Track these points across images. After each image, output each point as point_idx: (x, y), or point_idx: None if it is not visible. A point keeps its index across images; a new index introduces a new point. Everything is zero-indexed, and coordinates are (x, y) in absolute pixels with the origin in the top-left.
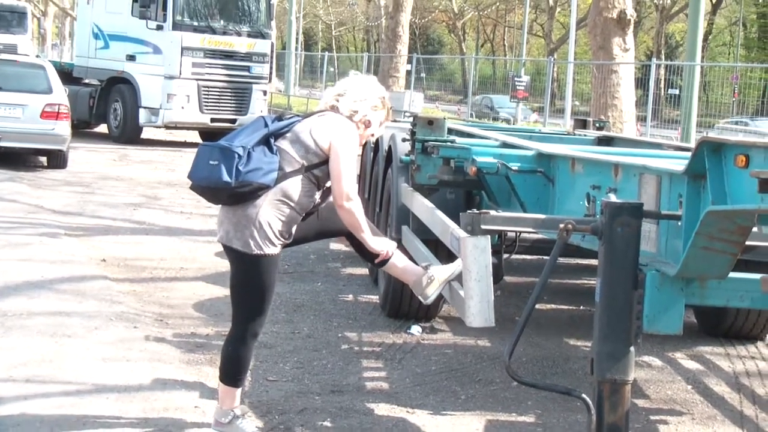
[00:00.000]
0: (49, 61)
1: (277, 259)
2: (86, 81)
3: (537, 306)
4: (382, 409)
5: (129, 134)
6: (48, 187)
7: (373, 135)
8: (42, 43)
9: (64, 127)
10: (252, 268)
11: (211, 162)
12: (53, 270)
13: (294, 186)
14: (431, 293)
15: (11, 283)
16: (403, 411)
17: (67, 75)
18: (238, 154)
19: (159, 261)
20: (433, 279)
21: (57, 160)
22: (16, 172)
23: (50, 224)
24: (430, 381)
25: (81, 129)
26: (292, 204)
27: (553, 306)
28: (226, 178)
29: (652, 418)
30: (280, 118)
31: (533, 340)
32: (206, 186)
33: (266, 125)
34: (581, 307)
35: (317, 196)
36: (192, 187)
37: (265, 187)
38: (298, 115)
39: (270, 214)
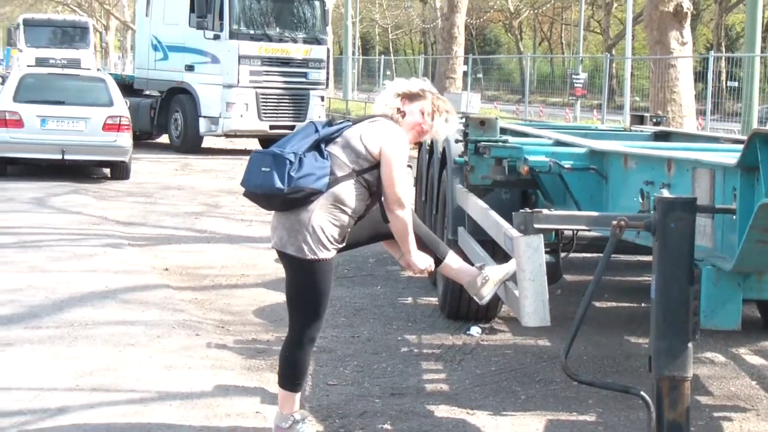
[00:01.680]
0: (110, 74)
1: (332, 264)
2: (147, 92)
3: (597, 304)
4: (441, 410)
5: (190, 144)
6: (112, 198)
7: (422, 128)
8: (105, 57)
9: (125, 139)
10: (307, 273)
11: (263, 169)
12: (117, 280)
13: (346, 190)
14: (486, 293)
15: (77, 294)
16: (463, 412)
17: (128, 87)
18: (290, 161)
19: (220, 269)
20: (487, 279)
21: (120, 171)
22: (80, 184)
23: (114, 235)
24: (489, 382)
25: (143, 140)
26: (345, 208)
27: (614, 303)
28: (278, 184)
29: (716, 414)
30: (330, 124)
31: (593, 338)
32: (259, 193)
33: (317, 131)
34: (642, 304)
35: (369, 199)
36: (245, 194)
37: (317, 192)
38: (348, 120)
39: (323, 218)
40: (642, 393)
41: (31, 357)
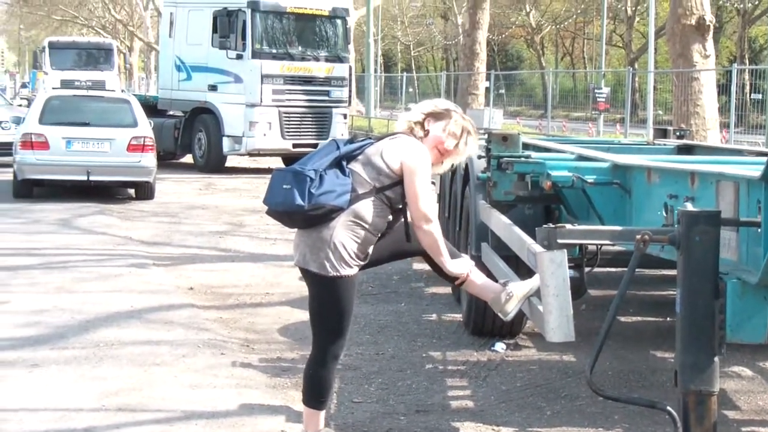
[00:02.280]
0: (134, 94)
1: (355, 281)
2: (170, 113)
3: (622, 319)
4: (467, 427)
5: (213, 163)
6: (136, 218)
7: (444, 148)
8: (129, 78)
9: (150, 159)
10: (329, 290)
11: (284, 186)
12: (142, 300)
13: (367, 207)
14: (510, 310)
15: (102, 314)
16: (488, 429)
17: (152, 108)
18: (311, 178)
19: (245, 287)
20: (511, 295)
21: (144, 191)
22: (105, 205)
23: (139, 255)
24: (515, 398)
25: (167, 160)
26: (366, 225)
27: (639, 318)
28: (299, 201)
29: (744, 429)
30: (351, 141)
31: (619, 353)
32: (282, 210)
33: (338, 148)
34: (667, 319)
35: (389, 216)
36: (268, 212)
37: (339, 209)
38: (370, 138)
39: (344, 235)
40: (668, 408)
41: (58, 377)
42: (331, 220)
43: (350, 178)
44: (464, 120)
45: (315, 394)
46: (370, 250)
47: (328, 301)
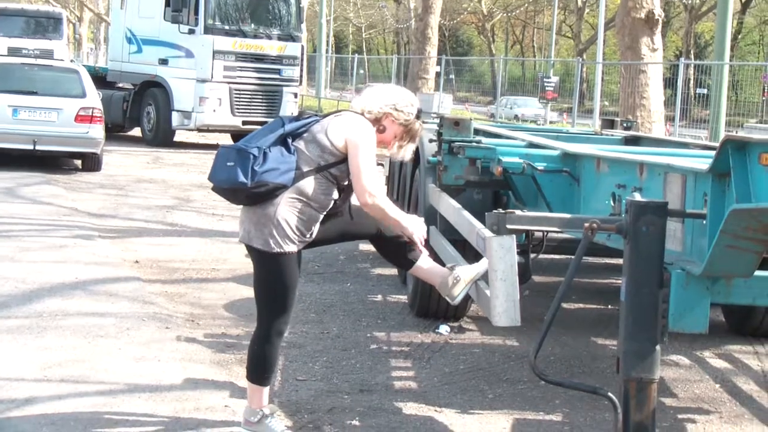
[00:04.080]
0: (83, 65)
1: (298, 257)
2: (120, 85)
3: (565, 305)
4: (410, 408)
5: (162, 137)
6: (83, 189)
7: (390, 139)
8: (78, 48)
9: (98, 131)
10: (273, 266)
11: (228, 163)
12: (87, 271)
13: (311, 185)
14: (457, 294)
15: (47, 284)
16: (431, 410)
17: (101, 79)
18: (254, 155)
19: (191, 262)
20: (459, 279)
21: (91, 163)
22: (52, 175)
23: (85, 226)
24: (458, 380)
25: (115, 132)
26: (311, 203)
27: (581, 305)
28: (242, 178)
29: (680, 416)
30: (297, 119)
31: (561, 339)
32: (225, 187)
33: (283, 125)
34: (609, 306)
35: (335, 194)
36: (213, 189)
37: (282, 187)
38: (317, 115)
39: (288, 212)
40: (609, 394)
41: None
42: (275, 197)
43: (295, 156)
44: (422, 128)
45: (259, 370)
46: (316, 227)
47: (271, 277)
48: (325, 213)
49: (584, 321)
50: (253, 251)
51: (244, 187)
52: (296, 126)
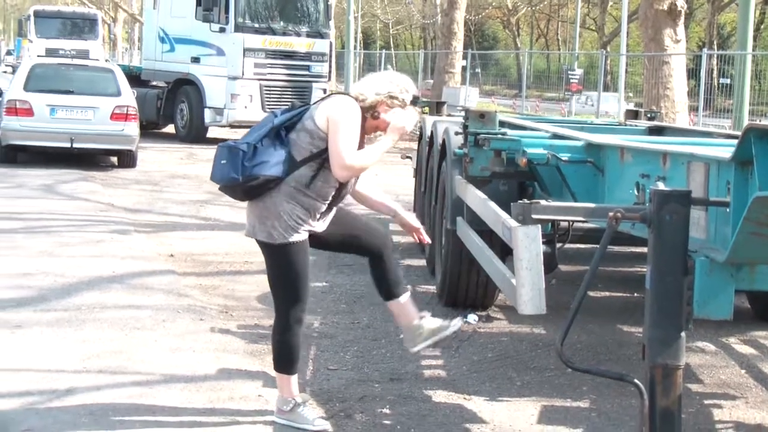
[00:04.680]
0: (118, 65)
1: (305, 246)
2: (154, 83)
3: (591, 294)
4: (439, 396)
5: (195, 134)
6: (119, 185)
7: (386, 125)
8: (113, 48)
9: (132, 128)
10: (280, 257)
11: (222, 162)
12: (124, 265)
13: (306, 174)
14: (415, 347)
15: (85, 278)
16: (459, 398)
17: (135, 78)
18: (243, 151)
19: (224, 255)
20: (421, 332)
21: (127, 159)
22: (88, 172)
23: (121, 221)
24: (486, 368)
25: (149, 130)
26: (308, 192)
27: (607, 293)
28: (233, 174)
29: (706, 402)
30: (289, 110)
31: (588, 327)
32: (223, 185)
33: (274, 118)
34: (635, 294)
35: (334, 182)
36: (219, 188)
37: (275, 179)
38: (309, 104)
39: (287, 204)
40: (636, 381)
41: (40, 339)
42: (273, 189)
43: (287, 147)
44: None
45: (284, 359)
46: (323, 217)
47: (280, 267)
48: (328, 202)
49: (610, 309)
50: (259, 244)
51: (236, 182)
52: (287, 117)
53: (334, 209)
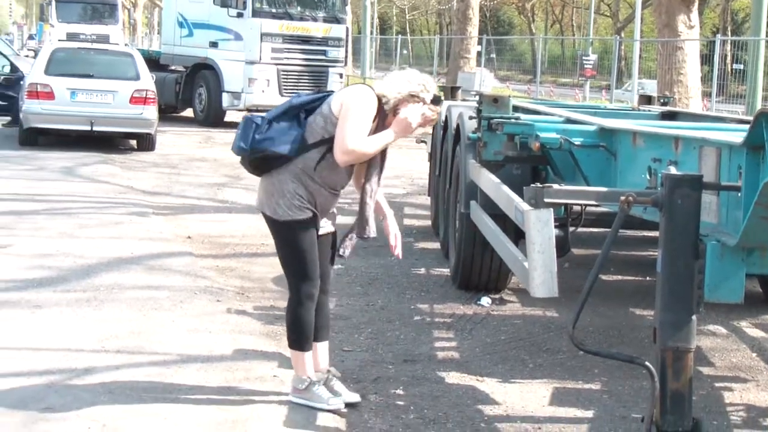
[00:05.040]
0: (137, 49)
1: (310, 224)
2: (172, 68)
3: (604, 277)
4: (452, 377)
5: (213, 118)
6: (138, 168)
7: (403, 122)
8: (133, 33)
9: (151, 112)
10: (284, 232)
11: (238, 131)
12: (142, 247)
13: (314, 158)
14: (291, 395)
15: (104, 260)
16: (472, 379)
17: (154, 62)
18: (257, 124)
19: (241, 237)
20: (304, 388)
21: (146, 142)
22: (108, 155)
23: (140, 204)
24: (499, 350)
25: (168, 113)
26: (313, 176)
27: (620, 277)
28: (241, 144)
29: (717, 385)
30: (314, 93)
31: (600, 310)
32: (236, 153)
33: (296, 98)
34: (647, 278)
35: (344, 173)
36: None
37: (281, 156)
38: (333, 91)
39: (293, 183)
40: (646, 363)
41: (60, 319)
42: (280, 167)
43: (302, 129)
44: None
45: (296, 335)
46: (326, 202)
47: (285, 242)
48: (332, 192)
49: (623, 292)
50: (265, 218)
51: (244, 152)
52: (309, 99)
53: (334, 208)
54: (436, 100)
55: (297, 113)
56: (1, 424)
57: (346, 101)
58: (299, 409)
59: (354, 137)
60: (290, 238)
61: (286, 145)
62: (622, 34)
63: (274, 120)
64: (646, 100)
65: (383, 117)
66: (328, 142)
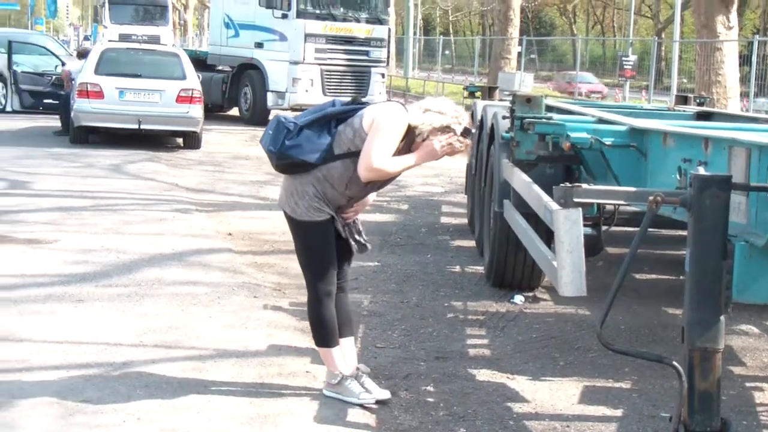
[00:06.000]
0: (185, 49)
1: (327, 226)
2: (219, 68)
3: (637, 276)
4: (483, 374)
5: (258, 116)
6: (183, 166)
7: (429, 149)
8: (183, 34)
9: (197, 111)
10: (302, 231)
11: (269, 131)
12: (184, 243)
13: (337, 168)
14: (326, 389)
15: (146, 256)
16: (503, 377)
17: (202, 62)
18: (288, 129)
19: (280, 234)
20: (339, 381)
21: (192, 141)
22: (155, 153)
23: (183, 201)
24: (530, 348)
25: (215, 112)
26: (335, 185)
27: (653, 276)
28: (270, 146)
29: (748, 385)
30: (349, 103)
31: (632, 308)
32: (264, 151)
33: (332, 107)
34: (680, 277)
35: (361, 184)
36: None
37: (307, 164)
38: (368, 103)
39: (312, 188)
40: (674, 363)
41: (101, 313)
42: (304, 171)
43: (330, 139)
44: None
45: (320, 332)
46: (341, 206)
47: (304, 243)
48: (350, 199)
49: (656, 291)
50: (286, 216)
51: (271, 154)
52: (343, 109)
53: (355, 217)
54: (466, 132)
55: (329, 121)
56: (40, 415)
57: (378, 118)
58: (330, 405)
59: (380, 156)
60: (308, 238)
61: (313, 154)
62: (663, 35)
63: (306, 126)
64: (683, 100)
65: (411, 140)
66: (353, 155)
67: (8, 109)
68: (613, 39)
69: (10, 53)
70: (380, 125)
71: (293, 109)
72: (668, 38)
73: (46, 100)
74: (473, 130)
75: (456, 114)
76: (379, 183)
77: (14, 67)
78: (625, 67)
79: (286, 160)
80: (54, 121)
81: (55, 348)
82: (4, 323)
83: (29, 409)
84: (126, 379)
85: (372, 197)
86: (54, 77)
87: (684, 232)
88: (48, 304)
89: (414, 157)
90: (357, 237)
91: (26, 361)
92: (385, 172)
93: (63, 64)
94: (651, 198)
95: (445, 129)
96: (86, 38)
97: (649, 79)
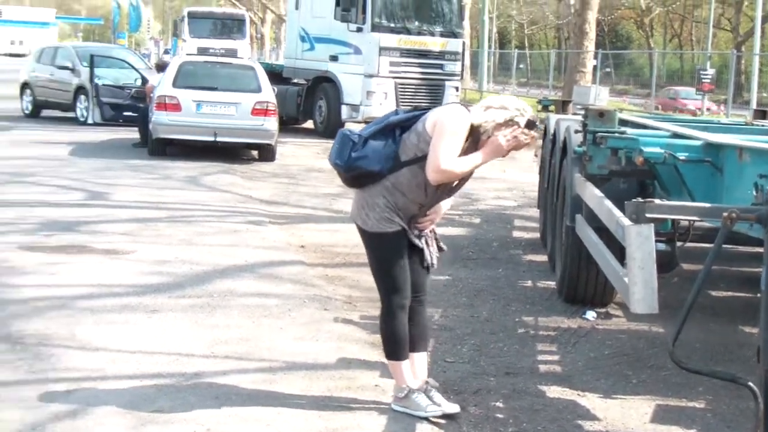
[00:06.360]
0: (261, 63)
1: (399, 237)
2: (295, 80)
3: (714, 293)
4: (553, 391)
5: (332, 129)
6: (258, 178)
7: (495, 145)
8: (261, 47)
9: (272, 123)
10: (375, 244)
11: (335, 146)
12: (256, 255)
13: (405, 175)
14: (394, 404)
15: (219, 267)
16: (574, 394)
17: (277, 75)
18: (353, 141)
19: (352, 247)
20: (406, 395)
21: (266, 153)
22: (230, 165)
23: (257, 213)
24: (602, 365)
25: (290, 125)
26: (405, 192)
27: (730, 293)
28: (337, 160)
29: None
30: (412, 111)
31: (708, 326)
32: (332, 166)
33: (394, 115)
34: (758, 295)
35: (429, 187)
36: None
37: (374, 174)
38: (430, 109)
39: (382, 198)
40: (750, 383)
41: (173, 324)
42: (373, 182)
43: (395, 147)
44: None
45: (391, 345)
46: (412, 215)
47: (376, 255)
48: (422, 206)
49: (732, 309)
50: (358, 229)
51: (339, 168)
52: (406, 117)
53: (432, 226)
54: (530, 124)
55: (393, 129)
56: (113, 424)
57: (440, 121)
58: (398, 419)
59: (446, 157)
60: (380, 250)
61: (380, 164)
62: (743, 48)
63: (371, 137)
64: (761, 114)
65: (476, 139)
66: (420, 160)
67: (90, 121)
68: (691, 52)
69: (92, 67)
70: (444, 126)
71: (367, 122)
72: (748, 51)
73: (125, 113)
74: (537, 123)
75: (518, 107)
76: (450, 187)
77: (96, 81)
78: (703, 80)
79: (354, 172)
80: (133, 133)
81: (129, 357)
82: (81, 332)
83: (103, 418)
84: (197, 390)
85: (446, 206)
86: (134, 90)
87: (761, 249)
88: (123, 314)
89: (480, 154)
90: (432, 249)
91: (101, 369)
92: (453, 172)
93: (143, 77)
94: (725, 214)
95: (509, 123)
96: (166, 51)
97: (728, 93)
